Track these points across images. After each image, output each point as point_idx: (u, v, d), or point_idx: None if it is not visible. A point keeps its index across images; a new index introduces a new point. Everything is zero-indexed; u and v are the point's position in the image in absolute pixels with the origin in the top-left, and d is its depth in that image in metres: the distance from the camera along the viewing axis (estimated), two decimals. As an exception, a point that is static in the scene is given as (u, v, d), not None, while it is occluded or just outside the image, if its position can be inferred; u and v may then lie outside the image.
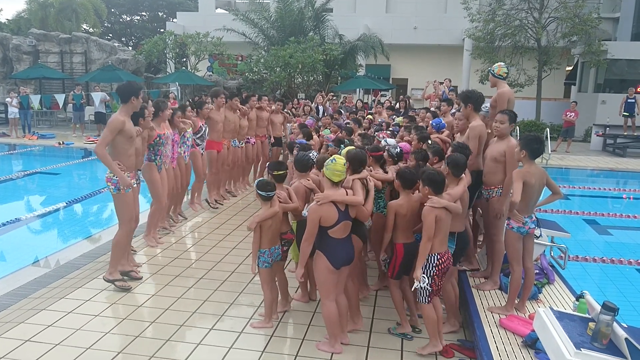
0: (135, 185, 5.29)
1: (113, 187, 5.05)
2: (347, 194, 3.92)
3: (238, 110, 8.58)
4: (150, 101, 6.04)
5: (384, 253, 4.37)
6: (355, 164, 4.15)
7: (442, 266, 3.92)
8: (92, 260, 6.10)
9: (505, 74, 5.47)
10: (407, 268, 4.15)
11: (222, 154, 8.25)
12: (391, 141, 5.83)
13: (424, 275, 3.88)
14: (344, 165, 3.89)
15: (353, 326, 4.43)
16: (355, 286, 4.49)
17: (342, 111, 11.33)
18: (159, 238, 6.68)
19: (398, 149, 4.98)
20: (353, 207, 3.95)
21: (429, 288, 3.92)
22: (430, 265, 3.90)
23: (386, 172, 4.79)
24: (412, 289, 3.99)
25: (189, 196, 8.15)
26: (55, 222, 8.66)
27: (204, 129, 7.65)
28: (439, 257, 3.90)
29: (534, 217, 4.40)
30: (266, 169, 5.11)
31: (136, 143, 5.27)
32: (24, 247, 7.20)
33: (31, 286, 5.39)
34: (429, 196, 3.90)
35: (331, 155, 4.13)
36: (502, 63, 5.60)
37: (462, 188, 4.14)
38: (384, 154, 4.95)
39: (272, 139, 9.99)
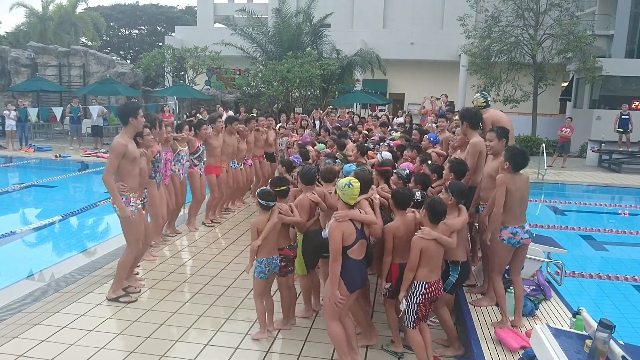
0: (140, 206, 5.28)
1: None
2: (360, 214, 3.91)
3: (237, 133, 8.53)
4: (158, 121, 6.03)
5: (388, 281, 4.26)
6: (364, 186, 4.11)
7: (430, 295, 3.90)
8: (87, 274, 6.06)
9: (484, 103, 5.72)
10: None
11: (222, 178, 8.18)
12: (386, 154, 5.87)
13: (407, 300, 3.89)
14: (359, 188, 3.89)
15: (367, 342, 4.40)
16: (361, 305, 4.45)
17: (339, 125, 11.37)
18: (154, 253, 6.64)
19: (407, 171, 5.02)
20: (367, 225, 3.95)
21: (415, 315, 3.91)
22: (417, 293, 3.89)
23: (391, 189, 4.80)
24: (401, 311, 3.99)
25: (185, 210, 8.12)
26: (51, 236, 8.62)
27: (201, 149, 7.62)
28: (427, 286, 3.88)
29: (526, 227, 4.39)
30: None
31: (141, 163, 5.26)
32: (18, 261, 7.16)
33: (25, 300, 5.35)
34: (421, 227, 3.91)
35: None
36: (478, 94, 5.88)
37: (461, 222, 4.13)
38: (393, 177, 4.99)
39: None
